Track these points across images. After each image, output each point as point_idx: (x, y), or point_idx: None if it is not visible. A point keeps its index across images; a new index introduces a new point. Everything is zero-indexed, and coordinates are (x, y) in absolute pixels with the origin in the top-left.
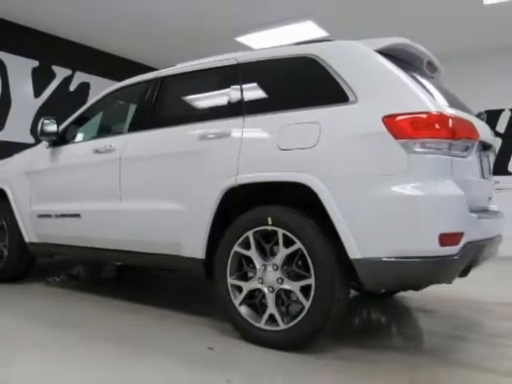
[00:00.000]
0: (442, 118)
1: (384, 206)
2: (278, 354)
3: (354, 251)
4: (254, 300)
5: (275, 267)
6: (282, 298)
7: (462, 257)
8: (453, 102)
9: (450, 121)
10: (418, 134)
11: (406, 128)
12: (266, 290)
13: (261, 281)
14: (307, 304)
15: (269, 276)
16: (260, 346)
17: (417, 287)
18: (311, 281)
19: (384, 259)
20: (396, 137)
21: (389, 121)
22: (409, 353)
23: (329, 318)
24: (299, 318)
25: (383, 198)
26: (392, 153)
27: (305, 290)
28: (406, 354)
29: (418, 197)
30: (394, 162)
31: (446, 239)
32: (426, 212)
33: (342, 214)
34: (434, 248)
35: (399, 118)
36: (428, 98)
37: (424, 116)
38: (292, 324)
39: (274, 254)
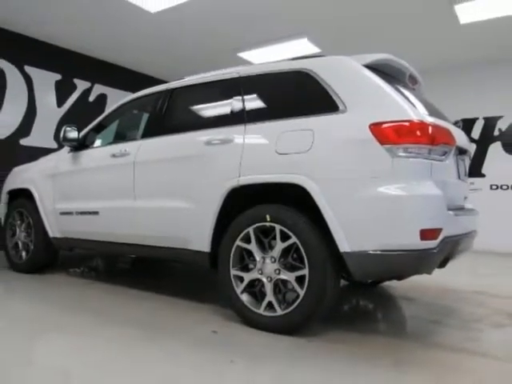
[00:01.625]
0: (422, 126)
1: (371, 204)
2: (275, 337)
3: (344, 245)
4: (254, 289)
5: (273, 259)
6: (279, 287)
7: (440, 250)
8: (432, 111)
9: (430, 128)
10: (401, 139)
11: (390, 134)
12: (264, 279)
13: (260, 272)
14: (302, 292)
15: (267, 267)
16: (259, 329)
17: (400, 277)
18: (305, 271)
19: (370, 252)
20: (381, 142)
21: (375, 128)
22: (392, 336)
23: (321, 305)
24: (294, 305)
25: (370, 197)
26: (378, 157)
27: (300, 280)
28: (390, 336)
29: (401, 196)
30: (380, 165)
31: (426, 234)
32: (408, 210)
33: (333, 212)
34: (415, 242)
35: (384, 125)
36: (410, 108)
37: (406, 124)
38: (288, 310)
39: (271, 248)
